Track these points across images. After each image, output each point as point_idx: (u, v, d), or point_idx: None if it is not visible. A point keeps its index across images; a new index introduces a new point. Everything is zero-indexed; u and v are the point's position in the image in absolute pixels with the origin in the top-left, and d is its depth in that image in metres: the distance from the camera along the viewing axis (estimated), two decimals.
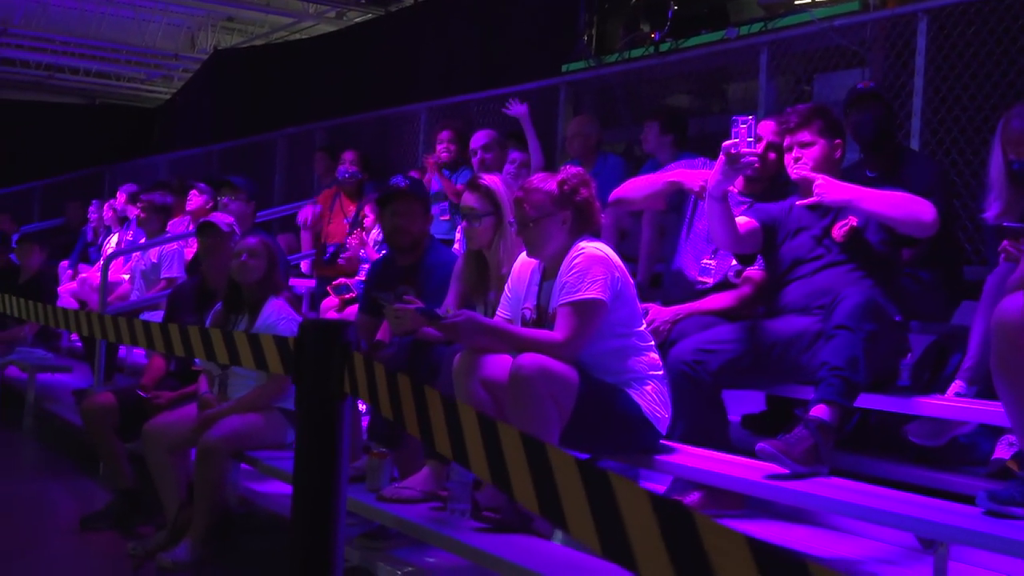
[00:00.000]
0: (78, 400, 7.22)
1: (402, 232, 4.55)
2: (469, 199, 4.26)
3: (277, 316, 4.67)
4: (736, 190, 4.45)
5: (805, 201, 3.88)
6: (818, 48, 6.30)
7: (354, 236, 7.01)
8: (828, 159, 3.94)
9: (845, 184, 3.82)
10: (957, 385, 3.73)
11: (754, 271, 4.27)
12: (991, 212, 3.79)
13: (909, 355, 3.81)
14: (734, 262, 4.32)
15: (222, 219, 5.39)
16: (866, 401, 3.68)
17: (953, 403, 3.59)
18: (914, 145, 5.29)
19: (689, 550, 0.84)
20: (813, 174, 3.85)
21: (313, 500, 1.47)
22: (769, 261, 4.09)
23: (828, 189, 3.77)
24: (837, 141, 3.96)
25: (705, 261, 4.42)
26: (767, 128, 4.40)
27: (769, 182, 4.45)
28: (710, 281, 4.36)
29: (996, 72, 5.11)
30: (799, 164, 3.92)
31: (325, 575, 1.45)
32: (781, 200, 4.26)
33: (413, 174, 7.44)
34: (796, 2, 7.39)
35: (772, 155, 4.37)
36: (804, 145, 3.93)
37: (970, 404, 3.55)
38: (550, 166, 6.60)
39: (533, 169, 6.42)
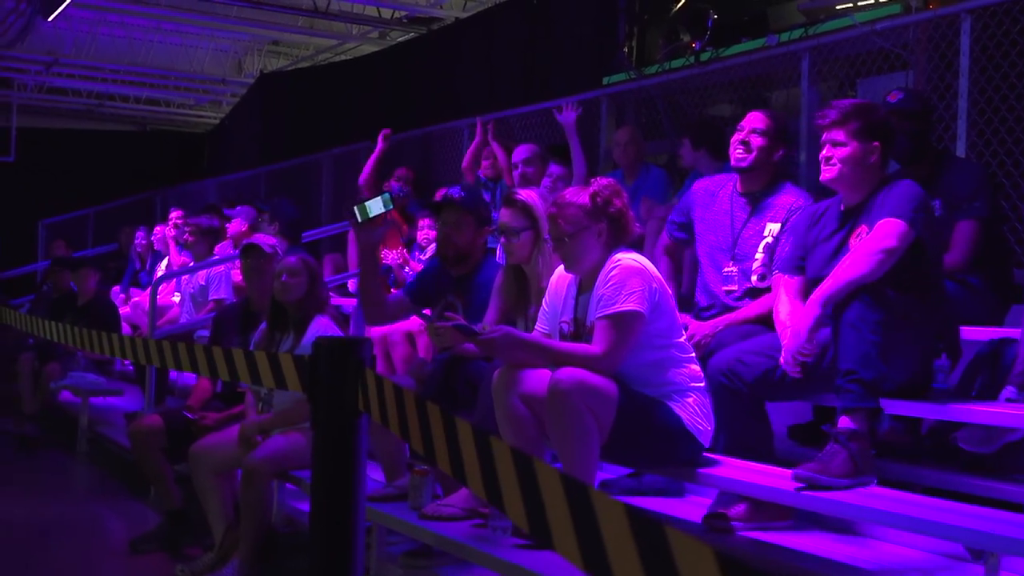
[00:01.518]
0: (129, 423, 7.31)
1: (449, 243, 4.54)
2: (506, 215, 4.25)
3: (323, 334, 4.68)
4: (737, 189, 4.44)
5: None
6: (860, 52, 6.23)
7: (396, 253, 7.03)
8: (860, 163, 3.72)
9: (804, 310, 3.58)
10: (1008, 391, 3.65)
11: (779, 276, 4.22)
12: None
13: (948, 359, 3.70)
14: (755, 265, 4.27)
15: (264, 240, 5.43)
16: (904, 408, 3.61)
17: (1004, 409, 3.51)
18: (960, 148, 5.20)
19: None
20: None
21: (331, 517, 1.46)
22: (808, 263, 4.00)
23: (794, 336, 3.56)
24: (874, 144, 3.74)
25: (726, 270, 4.39)
26: (756, 119, 4.38)
27: (767, 173, 4.40)
28: (735, 288, 4.32)
29: None
30: (828, 165, 3.76)
31: (345, 561, 1.44)
32: (780, 188, 4.37)
33: (400, 171, 7.54)
34: (837, 7, 7.33)
35: (762, 141, 4.34)
36: (836, 144, 3.74)
37: (1021, 410, 3.47)
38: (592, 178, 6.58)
39: (576, 179, 6.40)
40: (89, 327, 4.67)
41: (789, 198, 4.37)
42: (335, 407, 1.45)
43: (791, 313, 3.71)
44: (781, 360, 3.57)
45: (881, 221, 3.53)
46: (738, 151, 4.39)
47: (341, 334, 4.84)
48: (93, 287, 9.01)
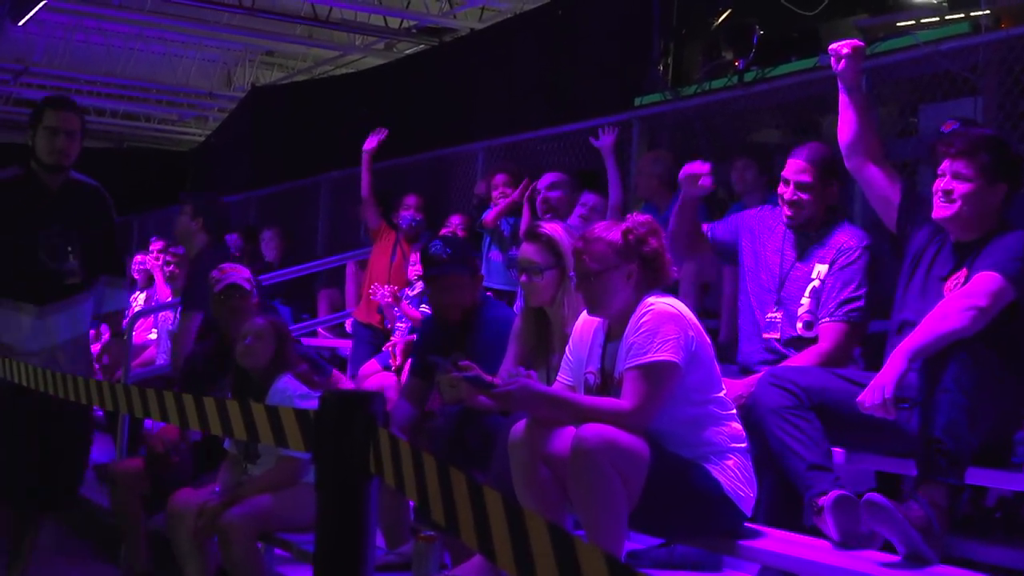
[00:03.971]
0: (99, 476, 7.31)
1: (450, 308, 4.62)
2: (528, 250, 4.29)
3: (285, 393, 4.67)
4: (790, 224, 4.45)
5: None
6: (924, 74, 6.27)
7: (378, 292, 7.04)
8: (981, 201, 3.69)
9: (890, 362, 3.49)
10: None
11: (827, 324, 4.21)
12: None
13: None
14: (800, 311, 4.27)
15: (241, 276, 5.40)
16: (983, 478, 3.61)
17: None
18: None
19: None
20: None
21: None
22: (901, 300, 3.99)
23: (876, 386, 3.45)
24: (1000, 185, 3.70)
25: (770, 315, 4.39)
26: (797, 168, 4.37)
27: (821, 211, 4.41)
28: (778, 336, 4.31)
29: None
30: (947, 200, 3.72)
31: None
32: (835, 228, 4.37)
33: (454, 219, 7.49)
34: (898, 24, 7.39)
35: (807, 196, 4.34)
36: (960, 178, 3.69)
37: None
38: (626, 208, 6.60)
39: (611, 211, 6.41)
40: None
41: (843, 237, 4.37)
42: (343, 469, 1.46)
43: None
44: (860, 397, 3.51)
45: (980, 274, 3.54)
46: (788, 212, 4.40)
47: (306, 391, 4.81)
48: None
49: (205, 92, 18.22)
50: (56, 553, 6.86)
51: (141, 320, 8.42)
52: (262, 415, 1.80)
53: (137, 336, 8.18)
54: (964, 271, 3.67)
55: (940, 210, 3.73)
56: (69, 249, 4.74)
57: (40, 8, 13.18)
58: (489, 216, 7.17)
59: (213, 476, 4.95)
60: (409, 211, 7.80)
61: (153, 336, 8.57)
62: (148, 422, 7.46)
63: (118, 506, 5.34)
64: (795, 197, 4.36)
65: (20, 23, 13.77)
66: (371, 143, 8.01)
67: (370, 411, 1.49)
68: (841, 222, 4.48)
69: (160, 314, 8.29)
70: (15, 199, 4.76)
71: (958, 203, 3.69)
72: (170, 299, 8.39)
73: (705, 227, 4.71)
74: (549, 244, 4.27)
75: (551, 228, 4.35)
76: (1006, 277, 3.51)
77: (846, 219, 4.57)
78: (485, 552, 1.13)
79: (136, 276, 10.20)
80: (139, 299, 9.54)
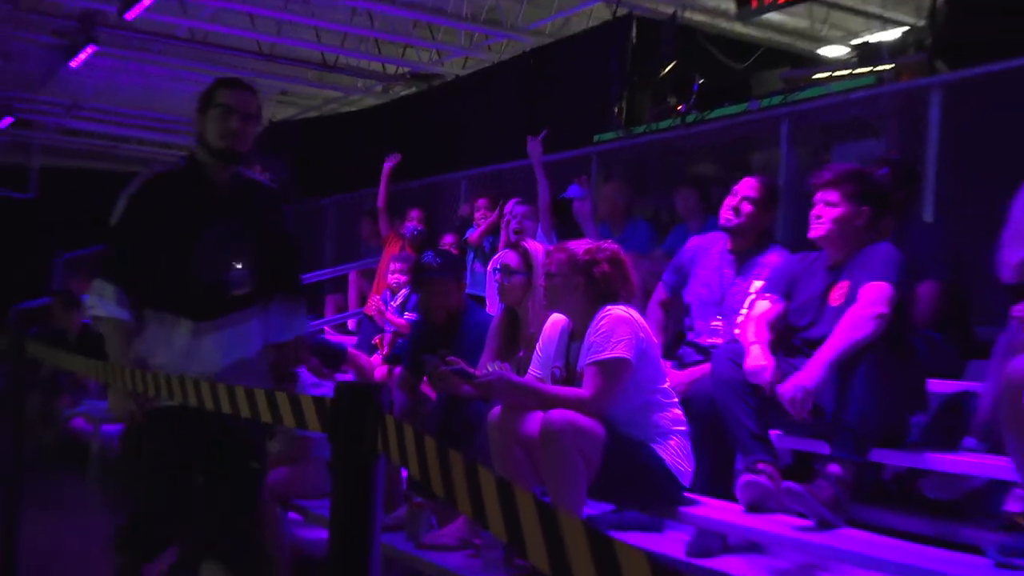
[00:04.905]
0: None
1: (438, 309, 4.66)
2: (509, 256, 4.41)
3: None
4: (727, 248, 4.50)
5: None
6: (836, 119, 6.34)
7: (370, 304, 7.08)
8: (848, 224, 3.78)
9: (809, 371, 3.48)
10: (969, 441, 3.70)
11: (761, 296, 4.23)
12: (1012, 258, 3.76)
13: (920, 412, 3.76)
14: (739, 320, 4.33)
15: None
16: (881, 456, 3.66)
17: (965, 458, 3.56)
18: (927, 212, 5.29)
19: None
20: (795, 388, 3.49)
21: (350, 550, 1.50)
22: (794, 310, 4.04)
23: (798, 385, 3.46)
24: (864, 208, 3.79)
25: (713, 323, 4.45)
26: (749, 186, 4.45)
27: (754, 235, 4.47)
28: (720, 341, 4.37)
29: (1006, 141, 5.11)
30: (818, 223, 3.82)
31: None
32: (767, 249, 4.41)
33: (447, 238, 7.53)
34: (815, 76, 7.47)
35: (751, 208, 4.41)
36: (829, 204, 3.79)
37: (981, 459, 3.52)
38: (579, 232, 6.62)
39: (541, 209, 6.43)
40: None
41: (774, 257, 4.43)
42: (355, 448, 1.49)
43: (759, 343, 3.72)
44: (779, 387, 3.52)
45: (870, 284, 3.58)
46: (727, 214, 4.46)
47: (316, 381, 4.79)
48: (79, 325, 8.95)
49: None
50: (105, 516, 6.84)
51: None
52: (285, 402, 1.82)
53: None
54: (845, 283, 3.73)
55: (813, 231, 3.83)
56: (236, 254, 3.26)
57: (91, 54, 13.14)
58: (473, 235, 7.24)
59: None
60: (412, 222, 7.90)
61: None
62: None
63: None
64: (739, 204, 4.42)
65: (73, 65, 13.71)
66: (390, 163, 8.12)
67: (377, 400, 1.52)
68: (773, 245, 4.54)
69: None
70: (175, 193, 3.27)
71: (827, 224, 3.77)
72: None
73: (660, 289, 4.77)
74: (524, 255, 4.37)
75: (531, 245, 4.45)
76: (891, 283, 3.57)
77: (776, 243, 4.63)
78: (478, 519, 1.16)
79: None
80: None
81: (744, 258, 4.47)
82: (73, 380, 8.54)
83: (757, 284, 4.37)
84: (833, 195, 3.78)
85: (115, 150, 19.34)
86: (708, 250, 4.62)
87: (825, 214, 3.78)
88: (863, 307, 3.53)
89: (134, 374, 2.86)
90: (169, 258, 3.22)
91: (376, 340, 6.93)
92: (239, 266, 3.28)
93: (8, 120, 16.51)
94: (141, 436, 3.27)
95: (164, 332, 3.22)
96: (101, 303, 3.16)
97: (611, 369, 3.60)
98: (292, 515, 4.77)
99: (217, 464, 3.27)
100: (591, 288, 3.73)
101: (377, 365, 6.61)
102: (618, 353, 3.60)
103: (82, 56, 13.22)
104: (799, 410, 3.43)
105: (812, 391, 3.43)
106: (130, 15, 11.38)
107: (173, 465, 3.22)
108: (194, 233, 3.24)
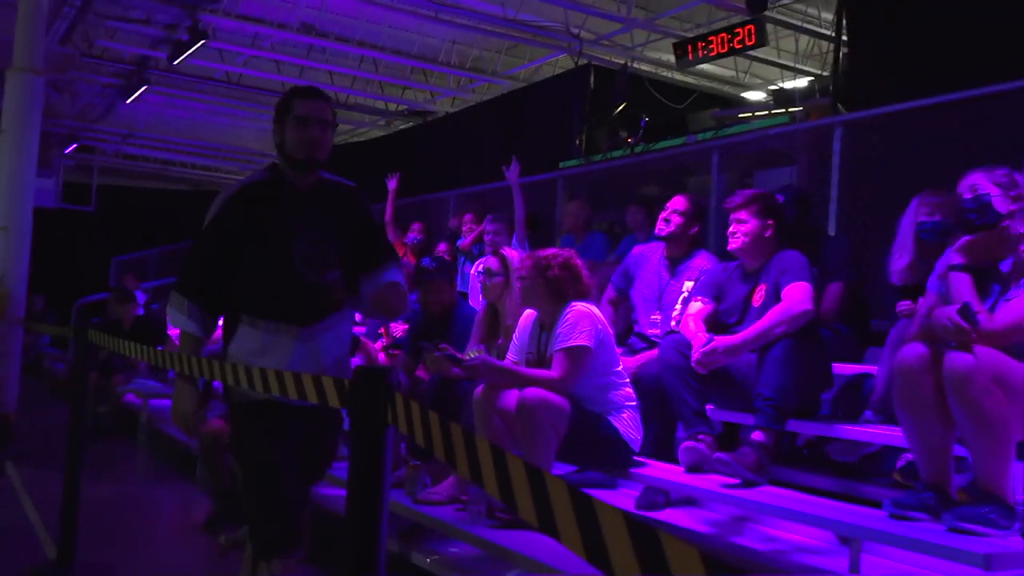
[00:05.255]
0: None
1: (433, 304, 4.66)
2: (491, 260, 4.40)
3: None
4: (663, 254, 4.49)
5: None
6: (757, 151, 6.36)
7: None
8: (758, 237, 3.79)
9: (731, 340, 3.53)
10: (867, 414, 3.71)
11: (695, 298, 4.21)
12: (898, 264, 3.78)
13: (828, 390, 3.77)
14: (674, 314, 4.32)
15: None
16: (796, 426, 3.66)
17: (864, 428, 3.57)
18: (831, 225, 5.31)
19: (654, 559, 0.84)
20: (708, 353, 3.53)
21: (365, 506, 1.47)
22: (723, 311, 4.04)
23: (715, 353, 3.51)
24: (769, 222, 3.80)
25: (653, 317, 4.45)
26: (678, 202, 4.46)
27: (684, 243, 4.47)
28: (659, 332, 4.36)
29: (894, 169, 5.15)
30: (734, 238, 3.82)
31: (373, 563, 1.45)
32: (695, 254, 4.42)
33: (441, 246, 7.50)
34: (740, 115, 7.50)
35: (680, 219, 4.41)
36: (740, 222, 3.80)
37: (877, 429, 3.53)
38: (548, 242, 6.62)
39: (517, 223, 6.40)
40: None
41: (701, 261, 4.43)
42: (369, 420, 1.47)
43: (695, 334, 3.71)
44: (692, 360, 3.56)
45: (794, 284, 3.57)
46: (660, 225, 4.48)
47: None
48: (132, 316, 8.87)
49: (258, 151, 18.02)
50: (152, 477, 6.78)
51: None
52: (309, 382, 1.79)
53: None
54: (763, 286, 3.73)
55: (731, 244, 3.85)
56: (328, 259, 2.79)
57: (143, 92, 13.03)
58: (464, 243, 7.22)
59: None
60: (414, 232, 7.85)
61: (220, 322, 8.43)
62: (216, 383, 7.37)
63: (207, 456, 5.10)
64: (669, 216, 4.43)
65: (128, 101, 13.58)
66: (393, 182, 8.06)
67: (388, 380, 1.49)
68: (698, 251, 4.53)
69: None
70: (265, 204, 2.80)
71: (742, 238, 3.79)
72: None
73: (609, 290, 4.75)
74: (503, 261, 4.36)
75: (508, 252, 4.42)
76: (808, 281, 3.58)
77: (703, 249, 4.63)
78: (476, 481, 1.14)
79: None
80: None
81: (677, 263, 4.47)
82: (126, 362, 8.45)
83: (688, 284, 4.37)
84: (743, 214, 3.80)
85: (163, 172, 19.19)
86: (649, 257, 4.61)
87: (739, 230, 3.80)
88: (793, 304, 3.53)
89: (169, 356, 2.78)
90: (269, 266, 2.74)
91: (381, 330, 6.88)
92: (332, 270, 2.80)
93: (73, 146, 16.35)
94: (240, 437, 2.76)
95: (269, 339, 2.72)
96: (175, 316, 2.76)
97: (575, 354, 3.58)
98: None
99: (306, 465, 2.78)
100: (547, 288, 3.73)
101: (379, 350, 6.57)
102: (581, 341, 3.58)
103: (137, 94, 13.12)
104: (703, 363, 3.48)
105: (721, 352, 3.47)
106: (177, 61, 11.32)
107: (274, 463, 2.66)
108: (287, 241, 2.75)
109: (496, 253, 4.41)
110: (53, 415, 7.92)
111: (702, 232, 4.73)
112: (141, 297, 11.00)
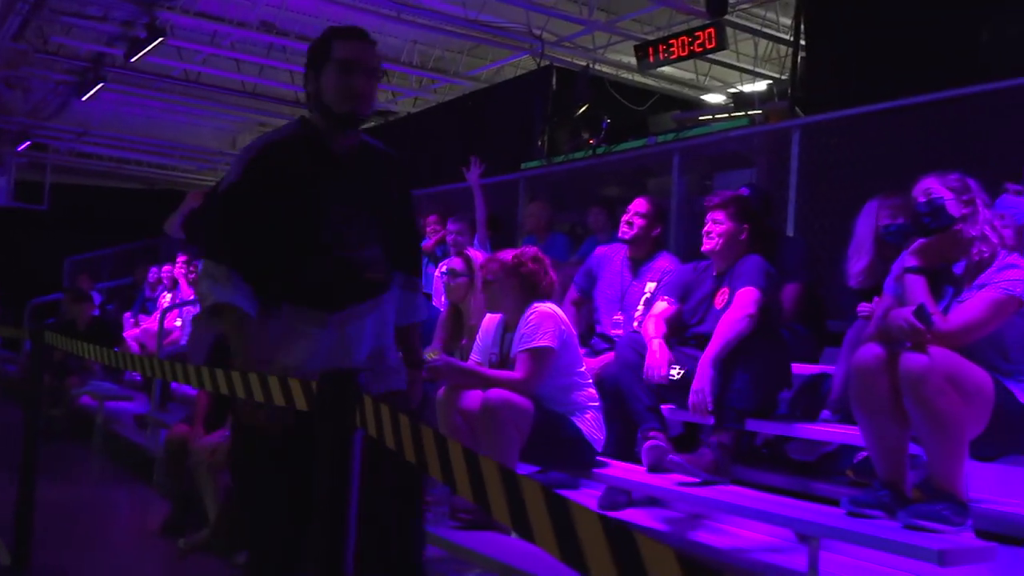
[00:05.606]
0: (138, 423, 7.11)
1: None
2: (455, 261, 4.41)
3: None
4: (626, 256, 4.53)
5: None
6: (717, 153, 6.42)
7: None
8: (733, 239, 3.81)
9: (698, 372, 3.49)
10: (825, 413, 3.77)
11: (660, 297, 4.20)
12: (856, 267, 3.84)
13: (786, 390, 3.81)
14: (636, 314, 4.35)
15: None
16: (756, 425, 3.70)
17: (822, 428, 3.62)
18: (789, 227, 5.37)
19: (629, 559, 0.85)
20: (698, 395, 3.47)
21: (333, 508, 1.47)
22: (686, 310, 4.06)
23: (694, 390, 3.47)
24: (744, 225, 3.82)
25: (615, 317, 4.48)
26: (639, 204, 4.48)
27: (646, 245, 4.50)
28: (621, 332, 4.39)
29: (851, 172, 5.23)
30: (708, 238, 3.85)
31: (341, 567, 1.45)
32: (656, 256, 4.43)
33: None
34: (700, 117, 7.56)
35: (642, 221, 4.43)
36: (716, 222, 3.82)
37: (835, 429, 3.58)
38: (510, 243, 6.62)
39: (479, 223, 6.39)
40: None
41: (663, 263, 4.47)
42: (337, 424, 1.46)
43: (658, 337, 3.74)
44: (689, 401, 3.50)
45: (743, 290, 3.61)
46: (624, 228, 4.50)
47: None
48: (87, 317, 8.72)
49: (216, 151, 17.81)
50: (108, 480, 6.66)
51: (170, 313, 8.21)
52: (275, 383, 1.78)
53: (167, 323, 7.96)
54: (726, 288, 3.77)
55: (705, 245, 3.87)
56: (366, 234, 2.30)
57: (99, 89, 12.83)
58: (428, 244, 7.18)
59: (223, 424, 4.84)
60: None
61: (178, 323, 8.35)
62: (174, 384, 7.26)
63: (169, 460, 5.06)
64: (632, 219, 4.46)
65: (83, 99, 13.35)
66: None
67: (356, 383, 1.49)
68: (661, 252, 4.57)
69: (186, 308, 8.08)
70: (294, 166, 2.27)
71: (716, 239, 3.81)
72: (192, 297, 8.18)
73: (572, 290, 4.75)
74: (467, 261, 4.36)
75: (473, 253, 4.42)
76: (759, 288, 3.62)
77: (665, 251, 4.66)
78: (447, 482, 1.14)
79: (166, 281, 9.91)
80: (167, 297, 9.28)
81: (639, 264, 4.51)
82: (81, 363, 8.31)
83: (651, 285, 4.40)
84: (720, 215, 3.82)
85: (118, 170, 18.87)
86: (612, 258, 4.64)
87: (714, 230, 3.81)
88: (735, 310, 3.57)
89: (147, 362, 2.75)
90: (297, 240, 2.24)
91: None
92: (371, 246, 2.31)
93: (26, 144, 16.04)
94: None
95: (296, 326, 2.24)
96: (213, 289, 2.16)
97: (539, 355, 3.59)
98: None
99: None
100: (521, 285, 3.72)
101: None
102: (544, 342, 3.59)
103: (92, 92, 12.91)
104: (701, 410, 3.45)
105: (706, 390, 3.46)
106: (134, 59, 11.16)
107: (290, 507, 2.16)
108: (319, 211, 2.25)
109: (460, 254, 4.40)
110: (5, 417, 7.75)
111: (664, 233, 4.76)
112: (97, 298, 10.82)
